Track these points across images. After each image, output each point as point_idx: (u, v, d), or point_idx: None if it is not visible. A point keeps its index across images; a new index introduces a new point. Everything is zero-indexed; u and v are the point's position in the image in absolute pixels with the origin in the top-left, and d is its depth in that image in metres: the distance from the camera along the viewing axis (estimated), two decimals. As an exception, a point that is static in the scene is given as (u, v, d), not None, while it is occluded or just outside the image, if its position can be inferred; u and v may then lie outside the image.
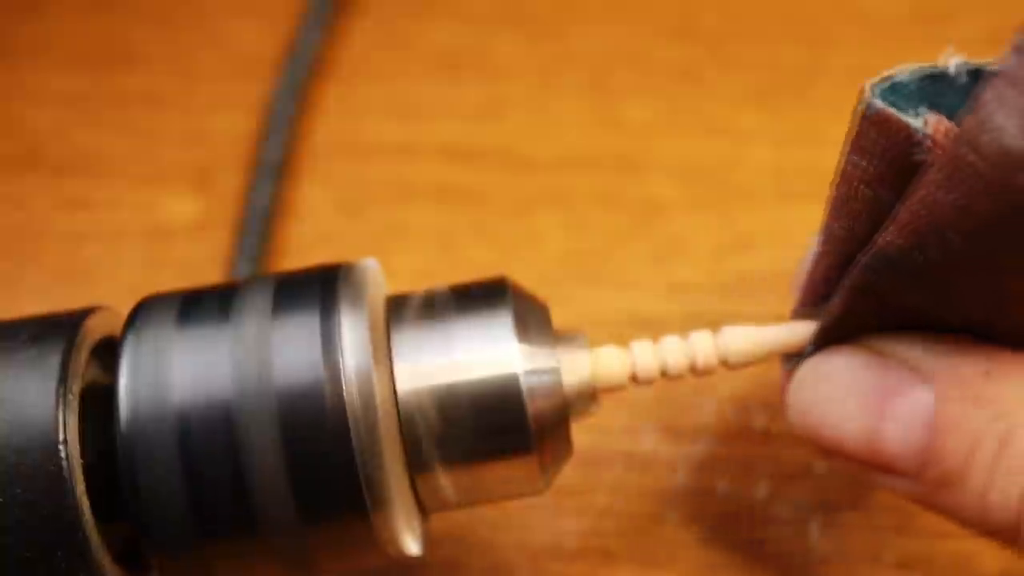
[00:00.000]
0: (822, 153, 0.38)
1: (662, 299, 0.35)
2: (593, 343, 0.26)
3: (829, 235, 0.23)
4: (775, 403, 0.32)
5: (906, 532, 0.30)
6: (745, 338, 0.25)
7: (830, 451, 0.24)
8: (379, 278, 0.26)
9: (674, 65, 0.41)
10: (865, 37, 0.42)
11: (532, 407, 0.24)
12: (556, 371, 0.24)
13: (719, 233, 0.37)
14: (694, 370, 0.25)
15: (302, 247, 0.37)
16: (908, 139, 0.20)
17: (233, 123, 0.40)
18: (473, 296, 0.25)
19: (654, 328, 0.34)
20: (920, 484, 0.23)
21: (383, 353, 0.24)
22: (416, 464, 0.24)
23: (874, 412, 0.23)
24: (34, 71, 0.42)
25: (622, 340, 0.25)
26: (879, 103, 0.20)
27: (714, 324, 0.25)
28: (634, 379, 0.25)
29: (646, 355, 0.25)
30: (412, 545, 0.24)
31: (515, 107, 0.41)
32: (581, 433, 0.32)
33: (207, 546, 0.22)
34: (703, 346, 0.25)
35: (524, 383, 0.24)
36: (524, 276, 0.35)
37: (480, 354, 0.24)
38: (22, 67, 0.42)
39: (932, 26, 0.42)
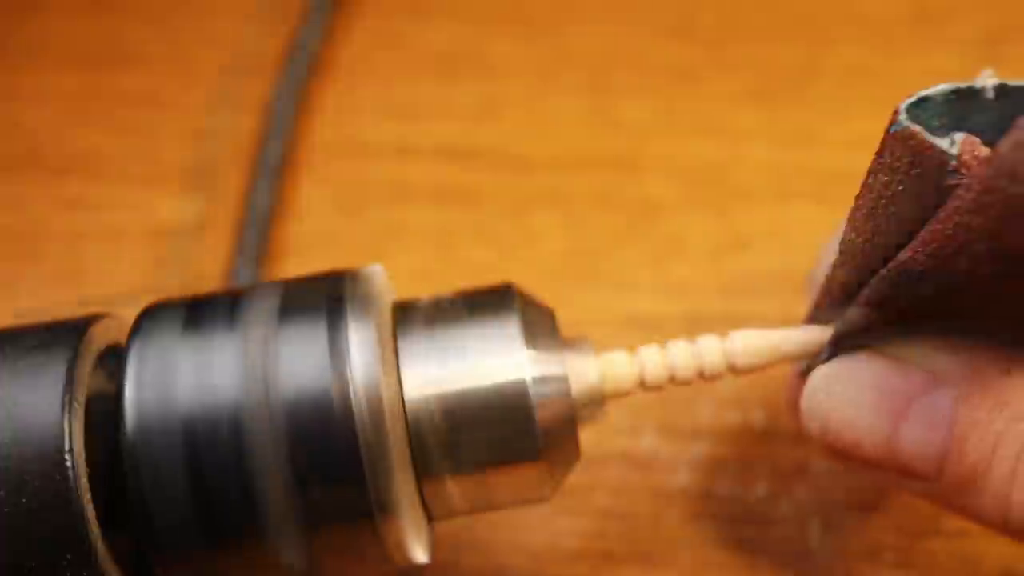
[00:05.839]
0: (820, 153, 0.38)
1: (661, 299, 0.35)
2: (593, 344, 0.26)
3: (848, 246, 0.23)
4: (774, 403, 0.32)
5: (906, 532, 0.30)
6: (753, 343, 0.25)
7: (846, 455, 0.25)
8: (386, 284, 0.26)
9: (671, 65, 0.41)
10: (863, 37, 0.42)
11: (541, 414, 0.24)
12: (564, 378, 0.24)
13: (717, 233, 0.37)
14: (702, 375, 0.25)
15: (301, 247, 0.37)
16: (936, 160, 0.19)
17: (232, 123, 0.40)
18: (480, 302, 0.25)
19: (653, 328, 0.34)
20: (939, 486, 0.23)
21: (391, 360, 0.24)
22: (424, 471, 0.24)
23: (892, 415, 0.23)
24: (32, 71, 0.42)
25: (620, 340, 0.26)
26: (906, 121, 0.20)
27: (712, 323, 0.25)
28: (642, 385, 0.25)
29: (654, 361, 0.25)
30: (419, 553, 0.24)
31: (512, 107, 0.41)
32: (581, 433, 0.32)
33: (213, 554, 0.22)
34: (711, 351, 0.25)
35: (533, 390, 0.24)
36: (522, 276, 0.35)
37: (488, 361, 0.24)
38: (21, 67, 0.42)
39: (930, 26, 0.42)
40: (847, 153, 0.38)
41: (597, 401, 0.25)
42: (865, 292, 0.23)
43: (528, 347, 0.24)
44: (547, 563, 0.30)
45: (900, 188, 0.20)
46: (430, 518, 0.25)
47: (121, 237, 0.38)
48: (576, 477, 0.31)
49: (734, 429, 0.32)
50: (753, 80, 0.41)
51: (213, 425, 0.22)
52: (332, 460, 0.22)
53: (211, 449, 0.22)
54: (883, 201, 0.21)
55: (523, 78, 0.41)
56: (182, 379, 0.22)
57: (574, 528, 0.31)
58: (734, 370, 0.25)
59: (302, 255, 0.37)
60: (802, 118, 0.39)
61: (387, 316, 0.25)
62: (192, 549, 0.22)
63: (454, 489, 0.24)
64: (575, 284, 0.36)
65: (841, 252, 0.24)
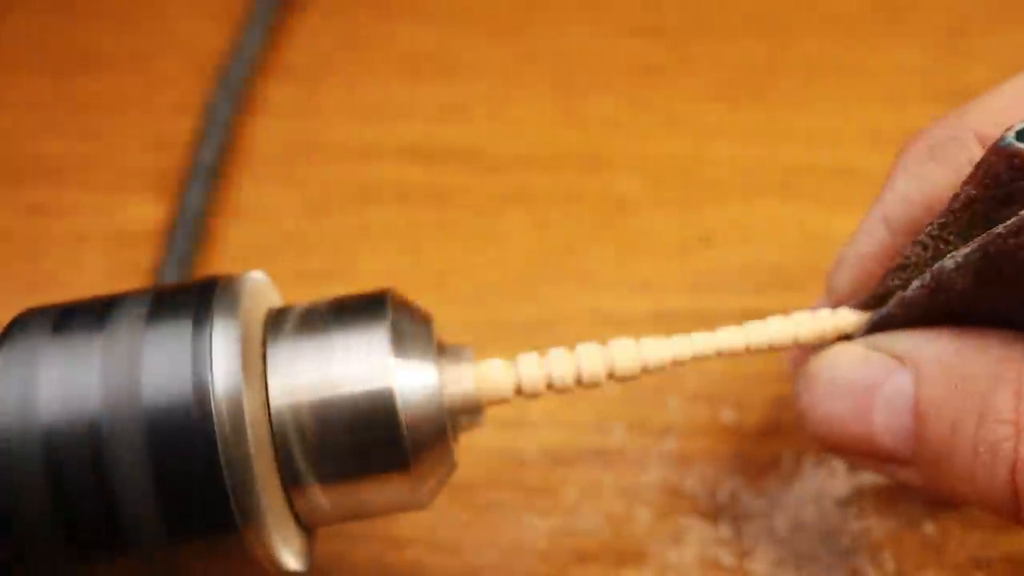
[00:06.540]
0: (784, 148, 0.38)
1: (628, 296, 0.35)
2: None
3: (915, 258, 0.24)
4: (744, 397, 0.32)
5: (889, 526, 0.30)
6: (631, 353, 0.25)
7: (833, 449, 0.25)
8: (264, 290, 0.26)
9: (636, 63, 0.41)
10: (825, 31, 0.42)
11: (407, 422, 0.23)
12: (434, 386, 0.24)
13: (684, 229, 0.37)
14: (580, 382, 0.25)
15: (268, 249, 0.37)
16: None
17: (195, 127, 0.40)
18: (352, 309, 0.24)
19: (621, 325, 0.34)
20: (919, 470, 0.23)
21: (257, 368, 0.23)
22: (291, 481, 0.23)
23: (863, 405, 0.24)
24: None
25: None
26: (1012, 139, 0.20)
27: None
28: (520, 392, 0.25)
29: (532, 368, 0.25)
30: (291, 560, 0.24)
31: (478, 107, 0.41)
32: (549, 430, 0.32)
33: (79, 566, 0.22)
34: (590, 359, 0.25)
35: (399, 398, 0.23)
36: (490, 275, 0.36)
37: (355, 368, 0.23)
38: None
39: (893, 20, 0.42)
40: (811, 148, 0.38)
41: (473, 409, 0.25)
42: (914, 284, 0.23)
43: (397, 355, 0.24)
44: (516, 562, 0.30)
45: (994, 198, 0.21)
46: (304, 526, 0.25)
47: (83, 243, 0.37)
48: (545, 475, 0.31)
49: (703, 424, 0.32)
50: (716, 77, 0.41)
51: (74, 436, 0.22)
52: (192, 471, 0.22)
53: (72, 460, 0.22)
54: (969, 213, 0.22)
55: (488, 78, 0.41)
56: (44, 386, 0.22)
57: (543, 526, 0.30)
58: (612, 377, 0.25)
59: (269, 257, 0.37)
60: (766, 114, 0.39)
61: (258, 323, 0.24)
62: (57, 560, 0.22)
63: (322, 497, 0.24)
64: (543, 282, 0.36)
65: (902, 267, 0.24)
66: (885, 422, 0.23)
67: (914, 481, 0.24)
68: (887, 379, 0.23)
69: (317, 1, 0.44)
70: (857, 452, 0.24)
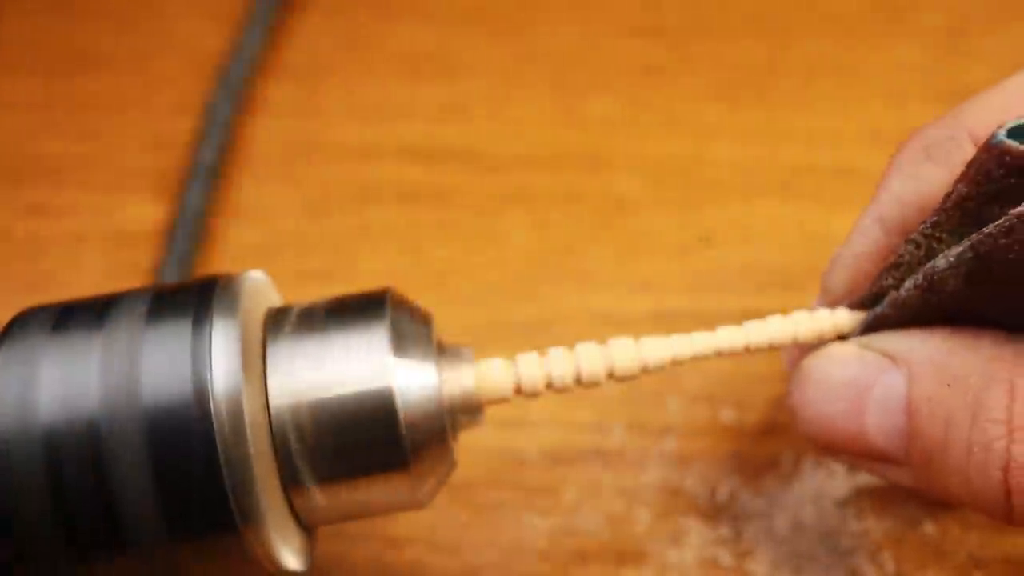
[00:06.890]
0: (784, 147, 0.38)
1: (628, 296, 0.35)
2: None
3: (908, 257, 0.24)
4: (743, 398, 0.32)
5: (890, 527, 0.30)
6: (631, 352, 0.25)
7: (827, 450, 0.25)
8: (264, 290, 0.26)
9: (636, 63, 0.41)
10: (825, 30, 0.42)
11: (407, 422, 0.23)
12: (434, 385, 0.24)
13: (684, 229, 0.37)
14: (580, 382, 0.25)
15: (268, 249, 0.37)
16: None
17: (195, 127, 0.40)
18: (351, 308, 0.24)
19: (621, 325, 0.34)
20: (912, 471, 0.23)
21: (257, 368, 0.23)
22: (290, 479, 0.23)
23: (855, 404, 0.24)
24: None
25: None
26: (1004, 136, 0.20)
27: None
28: (519, 391, 0.25)
29: (531, 368, 0.25)
30: (291, 560, 0.24)
31: (478, 107, 0.40)
32: (549, 430, 0.32)
33: (78, 566, 0.22)
34: (589, 358, 0.25)
35: (398, 397, 0.23)
36: (490, 275, 0.36)
37: (354, 368, 0.23)
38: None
39: (893, 19, 0.42)
40: (811, 148, 0.38)
41: (473, 409, 0.25)
42: (890, 300, 0.23)
43: (396, 354, 0.24)
44: (516, 562, 0.30)
45: (985, 195, 0.21)
46: (304, 526, 0.25)
47: (82, 243, 0.37)
48: (545, 475, 0.31)
49: (703, 424, 0.32)
50: (717, 77, 0.41)
51: (73, 436, 0.22)
52: (191, 470, 0.22)
53: (71, 460, 0.22)
54: (960, 211, 0.22)
55: (488, 78, 0.41)
56: (44, 386, 0.22)
57: (543, 526, 0.30)
58: (612, 376, 0.25)
59: (269, 257, 0.37)
60: (766, 114, 0.39)
61: (258, 323, 0.24)
62: (57, 561, 0.22)
63: (321, 497, 0.24)
64: (543, 282, 0.36)
65: (895, 265, 0.24)
66: (877, 422, 0.23)
67: (906, 482, 0.24)
68: (880, 379, 0.23)
69: (317, 1, 0.44)
70: (849, 452, 0.24)
